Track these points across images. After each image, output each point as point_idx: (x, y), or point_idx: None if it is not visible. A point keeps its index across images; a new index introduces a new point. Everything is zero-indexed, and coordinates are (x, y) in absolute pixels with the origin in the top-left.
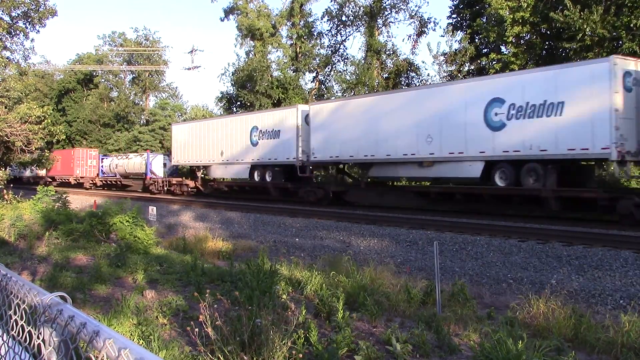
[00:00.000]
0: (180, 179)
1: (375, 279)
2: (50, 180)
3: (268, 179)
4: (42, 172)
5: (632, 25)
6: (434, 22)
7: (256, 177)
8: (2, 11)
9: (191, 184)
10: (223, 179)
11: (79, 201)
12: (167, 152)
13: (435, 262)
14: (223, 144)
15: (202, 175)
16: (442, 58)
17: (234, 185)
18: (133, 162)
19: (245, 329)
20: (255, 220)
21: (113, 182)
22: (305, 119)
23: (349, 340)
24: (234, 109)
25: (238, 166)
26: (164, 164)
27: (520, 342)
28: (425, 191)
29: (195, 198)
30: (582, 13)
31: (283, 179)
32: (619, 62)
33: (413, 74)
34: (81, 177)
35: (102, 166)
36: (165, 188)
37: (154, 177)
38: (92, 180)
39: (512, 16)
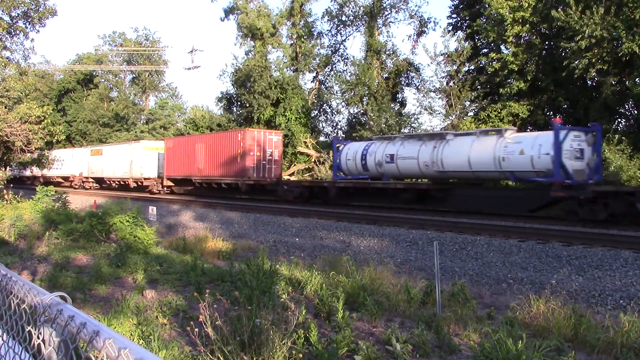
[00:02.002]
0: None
1: (375, 279)
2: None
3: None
4: (145, 174)
5: (632, 24)
6: (434, 22)
7: None
8: (2, 11)
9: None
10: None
11: (79, 201)
12: None
13: (435, 262)
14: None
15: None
16: (440, 58)
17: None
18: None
19: (245, 329)
20: (255, 220)
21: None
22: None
23: (349, 340)
24: (234, 109)
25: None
26: None
27: (520, 342)
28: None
29: (195, 198)
30: (583, 14)
31: None
32: None
33: (413, 74)
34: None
35: (338, 161)
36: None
37: None
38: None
39: (512, 16)
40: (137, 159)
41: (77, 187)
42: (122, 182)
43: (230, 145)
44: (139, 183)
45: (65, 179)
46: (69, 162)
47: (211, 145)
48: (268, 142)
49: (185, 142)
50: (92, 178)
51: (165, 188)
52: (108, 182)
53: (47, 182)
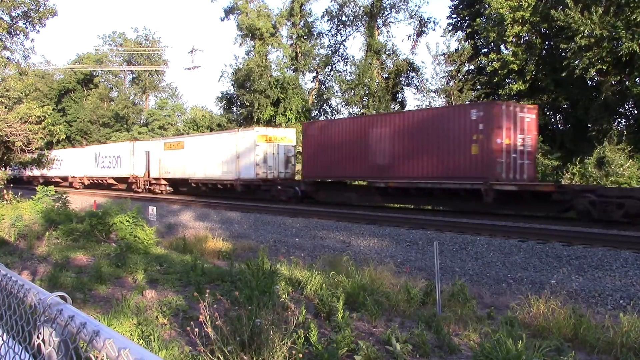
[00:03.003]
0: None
1: (375, 279)
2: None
3: None
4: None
5: (632, 24)
6: (434, 22)
7: None
8: (2, 11)
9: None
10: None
11: (79, 201)
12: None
13: (435, 262)
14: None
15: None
16: (441, 58)
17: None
18: None
19: (245, 329)
20: (255, 220)
21: None
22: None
23: (349, 340)
24: (234, 109)
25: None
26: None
27: (520, 342)
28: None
29: (195, 198)
30: (582, 14)
31: None
32: None
33: (413, 74)
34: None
35: None
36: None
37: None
38: None
39: (512, 16)
40: (247, 152)
41: (140, 190)
42: (221, 185)
43: (452, 126)
44: (254, 185)
45: (122, 180)
46: (127, 159)
47: (407, 127)
48: (520, 122)
49: (347, 127)
50: (165, 179)
51: (301, 193)
52: (195, 184)
53: (96, 184)
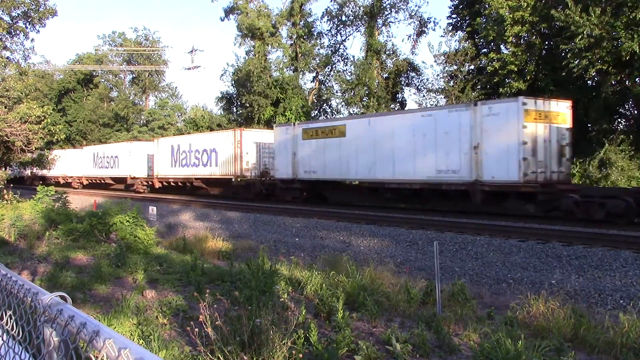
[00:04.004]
0: None
1: (375, 279)
2: None
3: None
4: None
5: (632, 24)
6: (434, 22)
7: None
8: (2, 11)
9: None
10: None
11: (79, 201)
12: None
13: (435, 262)
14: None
15: None
16: (442, 58)
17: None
18: None
19: (245, 329)
20: (255, 220)
21: None
22: None
23: (349, 340)
24: (234, 109)
25: None
26: None
27: (520, 342)
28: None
29: (195, 198)
30: (582, 14)
31: None
32: None
33: (413, 74)
34: None
35: None
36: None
37: None
38: None
39: (512, 15)
40: (500, 136)
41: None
42: (434, 191)
43: None
44: (519, 192)
45: (213, 182)
46: (224, 147)
47: None
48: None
49: None
50: (300, 181)
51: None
52: (383, 187)
53: (176, 186)
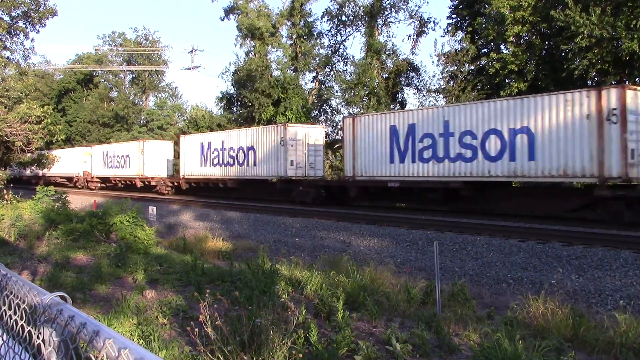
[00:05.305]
0: None
1: (375, 279)
2: None
3: None
4: None
5: (632, 25)
6: (434, 22)
7: None
8: (2, 11)
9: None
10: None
11: (79, 201)
12: None
13: (435, 262)
14: None
15: None
16: (442, 58)
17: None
18: None
19: (245, 329)
20: (255, 220)
21: None
22: None
23: (349, 340)
24: (234, 108)
25: None
26: None
27: (520, 342)
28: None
29: (196, 198)
30: (582, 14)
31: None
32: None
33: (413, 74)
34: None
35: None
36: None
37: None
38: None
39: (512, 15)
40: None
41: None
42: None
43: None
44: None
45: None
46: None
47: None
48: None
49: None
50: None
51: None
52: None
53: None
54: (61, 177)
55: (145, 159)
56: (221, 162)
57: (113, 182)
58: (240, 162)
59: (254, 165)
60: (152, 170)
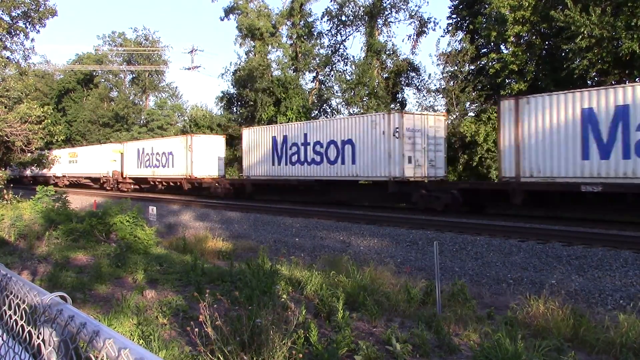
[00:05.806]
0: None
1: (375, 279)
2: None
3: None
4: None
5: (632, 24)
6: (434, 22)
7: None
8: (2, 11)
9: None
10: None
11: (79, 201)
12: None
13: (435, 262)
14: None
15: None
16: (442, 59)
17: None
18: None
19: (245, 329)
20: (255, 220)
21: None
22: None
23: (349, 340)
24: (235, 108)
25: None
26: None
27: (520, 342)
28: None
29: (195, 198)
30: (582, 14)
31: None
32: None
33: (413, 74)
34: None
35: None
36: None
37: None
38: None
39: (512, 15)
40: None
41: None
42: None
43: None
44: None
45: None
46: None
47: None
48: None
49: None
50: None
51: None
52: None
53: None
54: (85, 178)
55: (193, 156)
56: (302, 160)
57: (152, 183)
58: (332, 159)
59: (352, 163)
60: (202, 169)
